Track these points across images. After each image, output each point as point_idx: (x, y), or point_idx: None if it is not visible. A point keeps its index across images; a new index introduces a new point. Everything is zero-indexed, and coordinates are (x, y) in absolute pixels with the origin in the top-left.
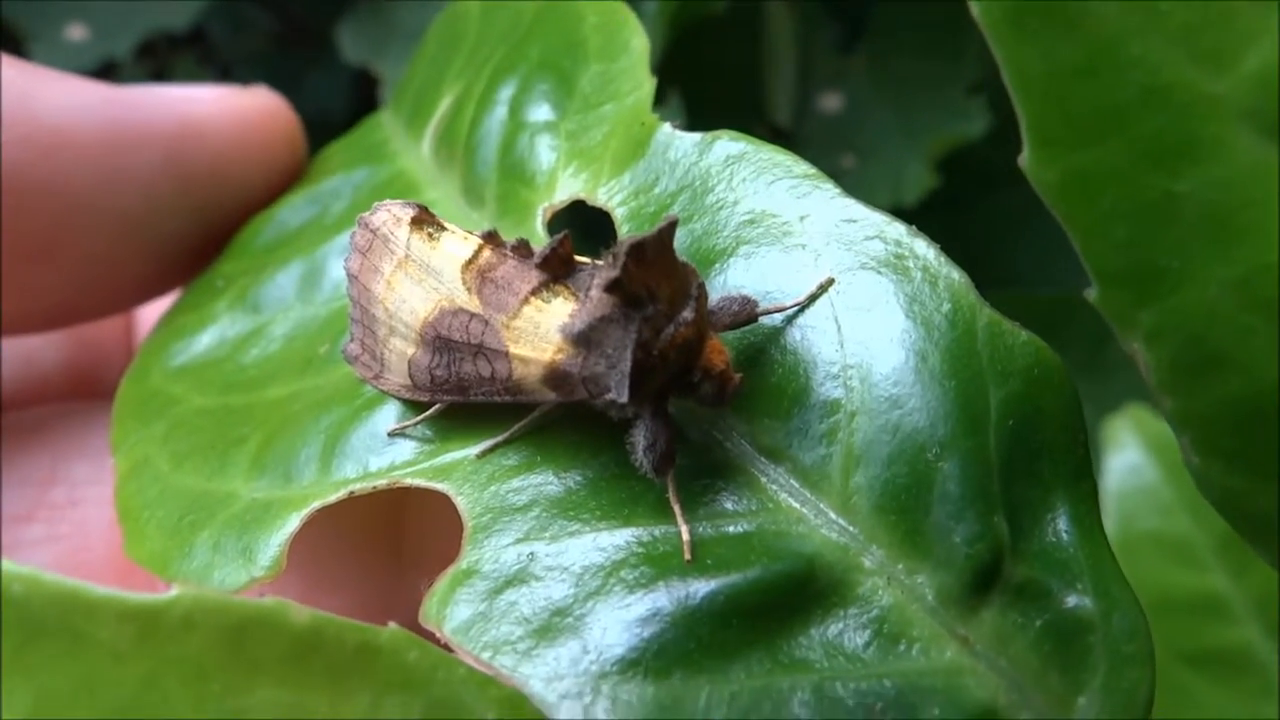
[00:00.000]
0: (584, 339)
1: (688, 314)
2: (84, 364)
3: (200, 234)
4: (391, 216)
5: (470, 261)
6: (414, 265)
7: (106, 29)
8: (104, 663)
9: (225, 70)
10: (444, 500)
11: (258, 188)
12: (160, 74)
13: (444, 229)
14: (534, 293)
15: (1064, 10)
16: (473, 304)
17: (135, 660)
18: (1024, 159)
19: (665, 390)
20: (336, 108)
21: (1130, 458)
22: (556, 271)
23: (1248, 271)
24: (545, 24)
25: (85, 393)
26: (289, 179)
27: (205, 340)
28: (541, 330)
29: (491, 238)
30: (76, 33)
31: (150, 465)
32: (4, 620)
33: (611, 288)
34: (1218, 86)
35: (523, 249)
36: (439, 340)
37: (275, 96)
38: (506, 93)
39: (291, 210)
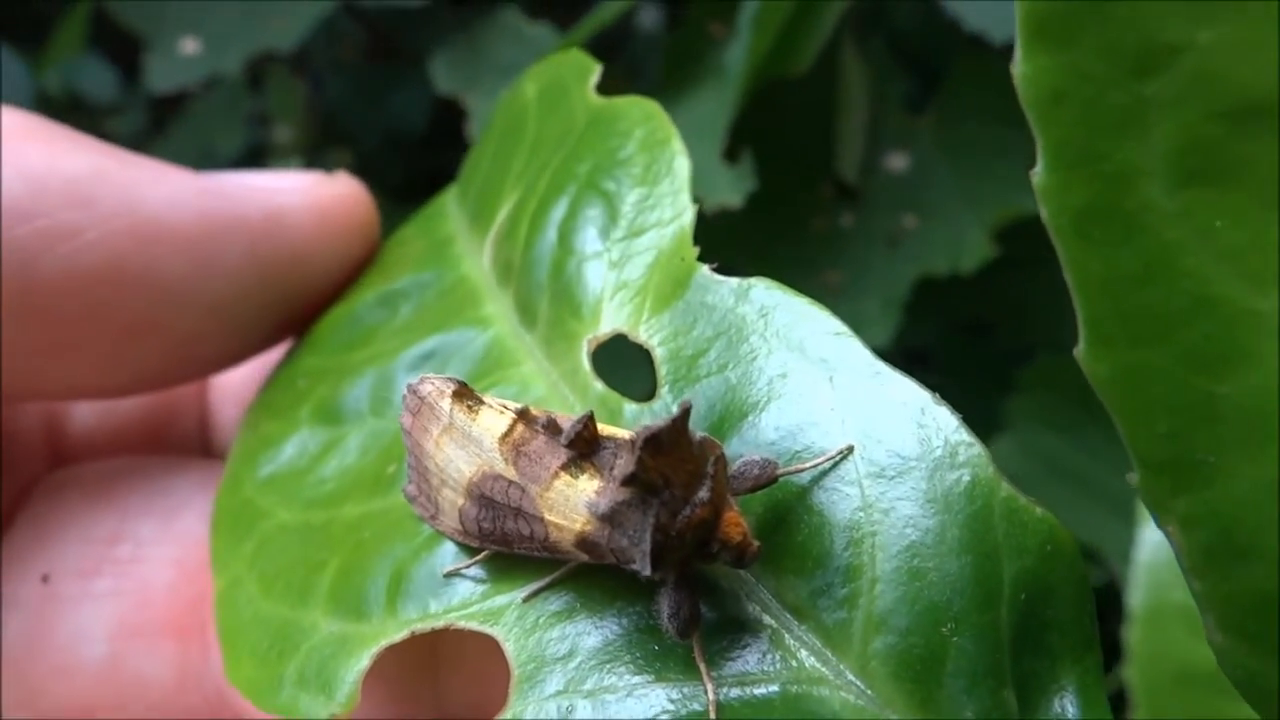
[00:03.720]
0: (608, 518)
1: (703, 494)
2: (159, 418)
3: (280, 315)
4: (435, 389)
5: (506, 435)
6: (457, 432)
7: (218, 45)
8: None
9: (317, 80)
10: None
11: (334, 274)
12: (255, 80)
13: (482, 403)
14: (563, 468)
15: (1125, 223)
16: (510, 472)
17: None
18: (1079, 352)
19: (688, 559)
20: (416, 126)
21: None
22: (582, 450)
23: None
24: (594, 135)
25: (158, 446)
26: (364, 264)
27: (289, 451)
28: (571, 503)
29: (524, 414)
30: (189, 46)
31: (242, 587)
32: None
33: (628, 481)
34: (1261, 304)
35: (552, 426)
36: (484, 499)
37: (355, 184)
38: (557, 214)
39: (366, 309)
